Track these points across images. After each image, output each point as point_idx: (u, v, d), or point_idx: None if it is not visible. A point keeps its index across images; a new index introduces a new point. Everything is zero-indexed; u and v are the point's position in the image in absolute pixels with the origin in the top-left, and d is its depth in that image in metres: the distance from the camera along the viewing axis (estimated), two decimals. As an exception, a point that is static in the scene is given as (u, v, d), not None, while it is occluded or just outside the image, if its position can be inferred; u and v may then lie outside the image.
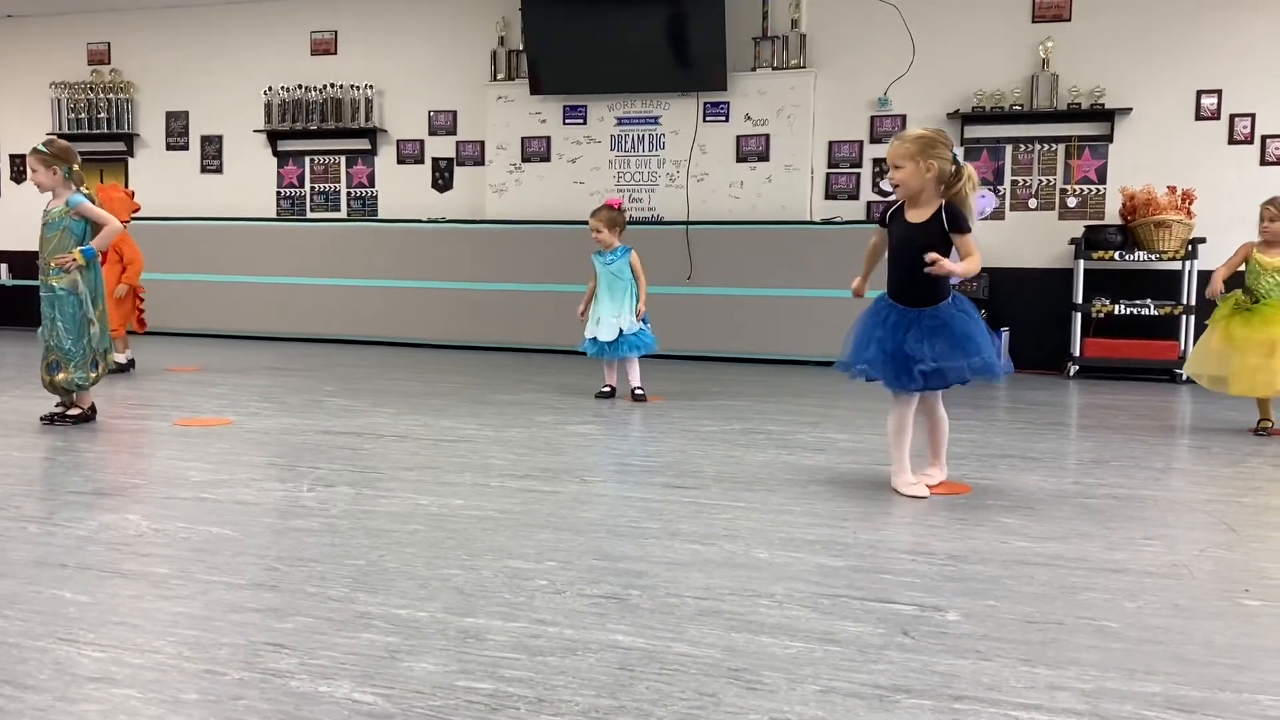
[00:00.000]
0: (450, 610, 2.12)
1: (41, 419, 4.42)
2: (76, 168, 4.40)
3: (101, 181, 9.24)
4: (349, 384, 5.92)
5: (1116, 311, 7.01)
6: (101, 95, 9.53)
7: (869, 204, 7.78)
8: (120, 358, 6.25)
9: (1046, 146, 7.50)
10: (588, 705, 1.67)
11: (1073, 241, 7.22)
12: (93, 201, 4.41)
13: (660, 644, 1.95)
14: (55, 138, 4.51)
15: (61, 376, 4.33)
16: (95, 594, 2.20)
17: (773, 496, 3.24)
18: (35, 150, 4.33)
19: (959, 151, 3.49)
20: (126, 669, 1.80)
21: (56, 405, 4.47)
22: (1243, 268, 4.82)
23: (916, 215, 3.25)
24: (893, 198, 3.39)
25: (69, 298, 4.30)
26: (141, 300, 6.46)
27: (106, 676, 1.77)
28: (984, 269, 7.30)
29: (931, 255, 3.12)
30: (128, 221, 6.30)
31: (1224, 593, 2.34)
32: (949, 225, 3.19)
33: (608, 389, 5.47)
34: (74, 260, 4.25)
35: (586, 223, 5.48)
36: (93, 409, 4.46)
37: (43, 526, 2.74)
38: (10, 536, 2.64)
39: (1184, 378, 6.84)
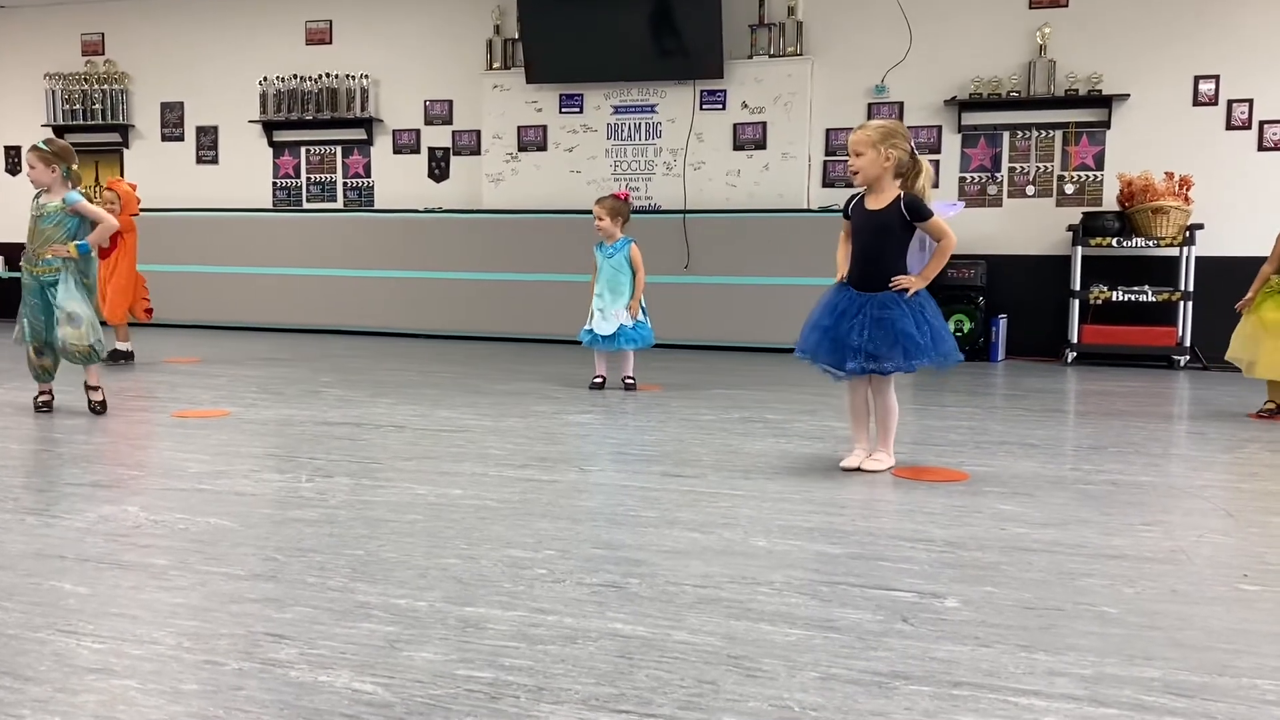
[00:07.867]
0: (449, 599, 2.12)
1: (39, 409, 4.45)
2: (75, 168, 4.43)
3: (98, 177, 9.24)
4: (346, 374, 5.92)
5: (1114, 298, 7.01)
6: (96, 86, 9.48)
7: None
8: (123, 345, 6.27)
9: (1044, 133, 7.48)
10: (587, 693, 1.67)
11: (1070, 228, 7.20)
12: (89, 200, 4.41)
13: (659, 632, 1.95)
14: (55, 138, 4.53)
15: (73, 337, 4.26)
16: (94, 585, 2.20)
17: (771, 484, 3.24)
18: (36, 147, 4.35)
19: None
20: (126, 660, 1.80)
21: (41, 395, 4.51)
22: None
23: (875, 202, 3.42)
24: (855, 189, 3.51)
25: (67, 277, 4.28)
26: (146, 289, 6.46)
27: (106, 667, 1.77)
28: (981, 256, 7.35)
29: (899, 282, 3.32)
30: (136, 214, 6.30)
31: (1222, 578, 2.35)
32: (910, 216, 3.36)
33: (599, 380, 5.43)
34: (68, 252, 4.25)
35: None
36: (103, 403, 4.43)
37: (41, 518, 2.74)
38: (9, 528, 2.64)
39: (1181, 364, 6.87)
